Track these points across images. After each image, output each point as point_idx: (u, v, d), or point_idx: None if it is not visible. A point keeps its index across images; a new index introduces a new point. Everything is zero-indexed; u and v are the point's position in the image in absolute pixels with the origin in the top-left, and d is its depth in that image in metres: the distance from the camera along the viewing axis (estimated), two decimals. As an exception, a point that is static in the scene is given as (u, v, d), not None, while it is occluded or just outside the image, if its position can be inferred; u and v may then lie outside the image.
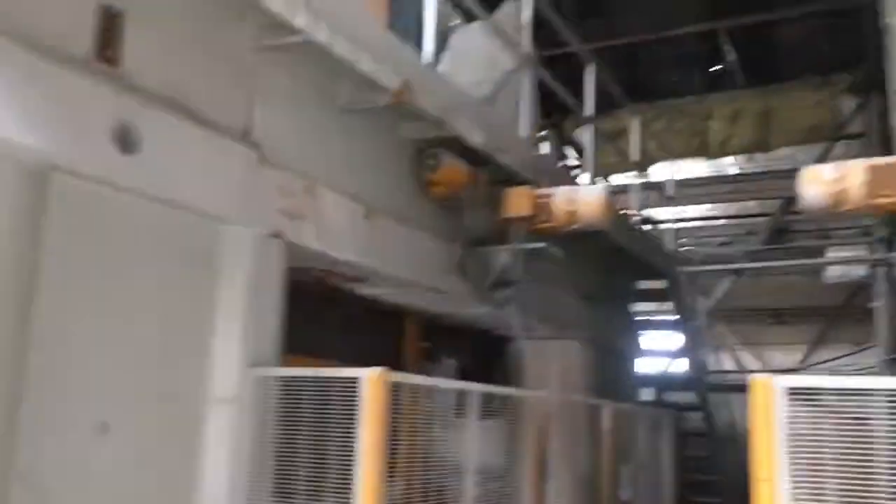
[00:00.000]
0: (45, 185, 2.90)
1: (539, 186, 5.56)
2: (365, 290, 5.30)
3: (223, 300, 3.62)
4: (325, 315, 5.77)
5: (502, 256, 5.46)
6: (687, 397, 9.38)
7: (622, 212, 7.27)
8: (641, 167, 9.86)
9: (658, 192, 10.16)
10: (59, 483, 2.88)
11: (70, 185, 2.98)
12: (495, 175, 5.42)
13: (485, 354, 7.52)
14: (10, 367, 2.76)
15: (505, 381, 7.46)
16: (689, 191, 11.68)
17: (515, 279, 5.48)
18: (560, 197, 5.37)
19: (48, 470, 2.86)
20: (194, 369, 3.50)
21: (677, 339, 11.50)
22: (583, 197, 5.32)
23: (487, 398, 4.31)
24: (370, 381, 3.34)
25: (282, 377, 3.61)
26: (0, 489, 2.70)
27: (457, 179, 5.12)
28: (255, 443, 3.56)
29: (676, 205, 11.05)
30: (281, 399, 3.63)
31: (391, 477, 3.78)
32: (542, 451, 5.05)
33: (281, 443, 3.61)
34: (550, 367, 6.10)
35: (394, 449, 3.81)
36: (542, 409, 4.96)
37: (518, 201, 5.39)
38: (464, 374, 6.81)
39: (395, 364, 6.43)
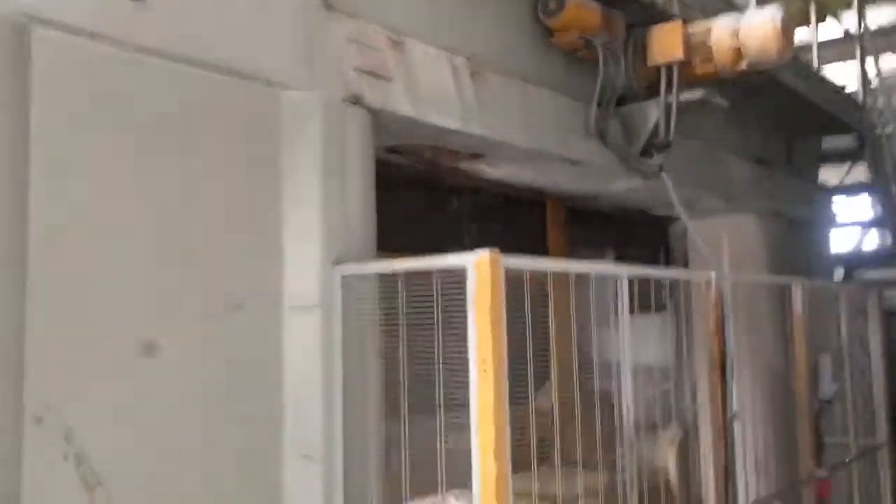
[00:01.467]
0: (27, 43, 2.22)
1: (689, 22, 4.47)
2: (488, 171, 4.47)
3: (292, 185, 2.88)
4: (452, 208, 5.02)
5: (651, 113, 4.45)
6: (885, 273, 8.08)
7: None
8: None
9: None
10: (87, 422, 2.28)
11: (61, 43, 2.29)
12: (634, 14, 4.38)
13: (644, 244, 6.56)
14: (5, 285, 2.15)
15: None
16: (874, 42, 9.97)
17: (669, 140, 4.47)
18: (721, 29, 4.26)
19: (73, 406, 2.26)
20: (264, 271, 2.81)
21: (870, 209, 10.02)
22: (750, 25, 4.19)
23: (642, 283, 3.41)
24: (478, 267, 2.54)
25: (374, 275, 2.87)
26: (9, 434, 2.13)
27: (587, 22, 4.13)
28: (348, 355, 2.87)
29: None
30: (378, 302, 2.90)
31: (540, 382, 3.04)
32: (719, 342, 4.12)
33: (381, 354, 2.91)
34: (723, 247, 5.09)
35: (542, 351, 3.08)
36: (716, 293, 4.00)
37: (667, 41, 4.33)
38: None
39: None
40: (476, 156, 4.05)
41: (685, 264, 6.47)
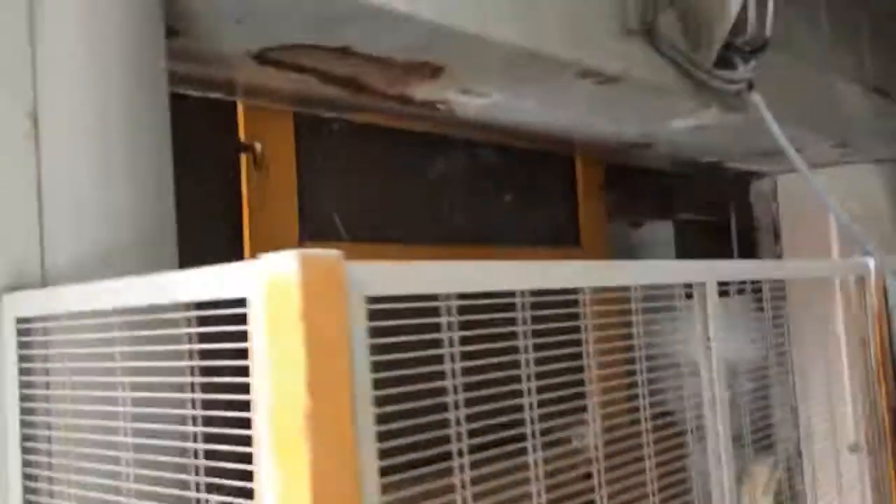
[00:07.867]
0: None
1: None
2: (466, 104, 2.77)
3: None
4: (427, 171, 3.36)
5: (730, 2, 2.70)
6: None
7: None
8: None
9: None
10: None
11: None
12: None
13: (704, 209, 4.78)
14: None
15: (750, 244, 4.79)
16: None
17: (766, 38, 2.73)
18: None
19: None
20: None
21: None
22: None
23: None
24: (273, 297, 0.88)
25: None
26: None
27: None
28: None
29: None
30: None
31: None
32: (882, 349, 2.44)
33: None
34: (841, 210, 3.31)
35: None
36: (878, 285, 2.30)
37: None
38: (684, 241, 4.29)
39: (573, 237, 3.97)
40: (434, 69, 2.34)
41: (774, 234, 4.71)
